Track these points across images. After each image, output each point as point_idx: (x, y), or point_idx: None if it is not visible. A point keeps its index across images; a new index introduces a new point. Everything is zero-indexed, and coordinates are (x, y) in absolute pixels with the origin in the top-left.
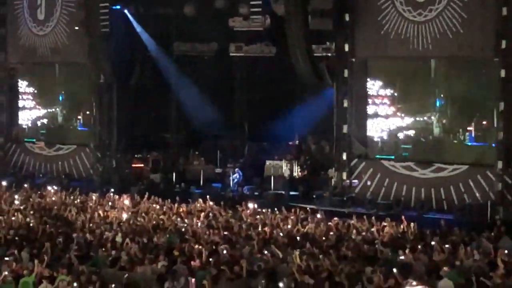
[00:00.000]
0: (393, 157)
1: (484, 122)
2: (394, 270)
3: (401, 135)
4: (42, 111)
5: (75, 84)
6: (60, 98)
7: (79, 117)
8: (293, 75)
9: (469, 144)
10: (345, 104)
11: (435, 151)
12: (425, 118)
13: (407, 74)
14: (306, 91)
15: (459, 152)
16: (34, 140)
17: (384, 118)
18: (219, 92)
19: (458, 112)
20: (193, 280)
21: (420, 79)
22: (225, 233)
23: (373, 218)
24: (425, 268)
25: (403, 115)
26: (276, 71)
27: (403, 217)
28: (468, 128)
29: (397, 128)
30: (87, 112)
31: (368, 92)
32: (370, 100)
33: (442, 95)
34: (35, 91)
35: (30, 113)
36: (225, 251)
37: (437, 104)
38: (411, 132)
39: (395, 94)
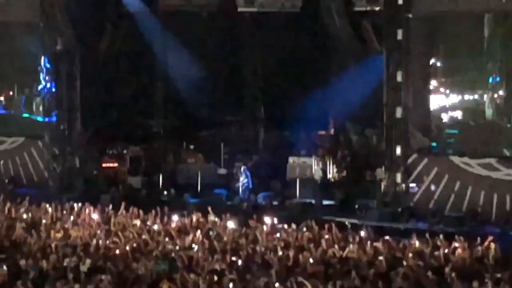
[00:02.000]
0: (434, 144)
1: None
2: None
3: (444, 117)
4: None
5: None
6: None
7: (1, 98)
8: (326, 38)
9: None
10: (399, 78)
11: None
12: (476, 96)
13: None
14: (344, 60)
15: None
16: None
17: None
18: (223, 62)
19: None
20: None
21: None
22: (233, 258)
23: (439, 236)
24: None
25: (447, 91)
26: (302, 33)
27: (481, 235)
28: None
29: (440, 108)
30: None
31: (431, 61)
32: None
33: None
34: None
35: None
36: (231, 284)
37: (491, 80)
38: (457, 114)
39: (438, 63)
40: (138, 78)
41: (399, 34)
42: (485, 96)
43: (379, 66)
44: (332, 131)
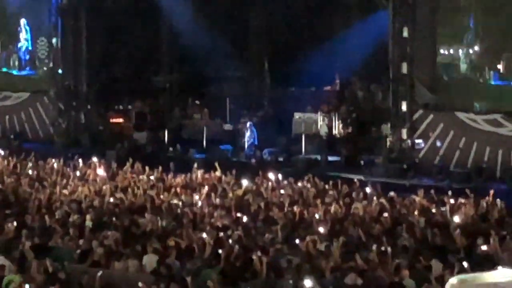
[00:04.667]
0: None
1: None
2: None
3: None
4: None
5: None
6: None
7: None
8: None
9: None
10: (405, 33)
11: None
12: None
13: None
14: (349, 15)
15: None
16: None
17: None
18: (229, 16)
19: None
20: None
21: None
22: (238, 214)
23: (445, 193)
24: None
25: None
26: None
27: (488, 191)
28: None
29: None
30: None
31: (437, 17)
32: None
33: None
34: None
35: None
36: (236, 241)
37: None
38: None
39: None
40: (144, 33)
41: None
42: (460, 51)
43: (385, 21)
44: (337, 87)
